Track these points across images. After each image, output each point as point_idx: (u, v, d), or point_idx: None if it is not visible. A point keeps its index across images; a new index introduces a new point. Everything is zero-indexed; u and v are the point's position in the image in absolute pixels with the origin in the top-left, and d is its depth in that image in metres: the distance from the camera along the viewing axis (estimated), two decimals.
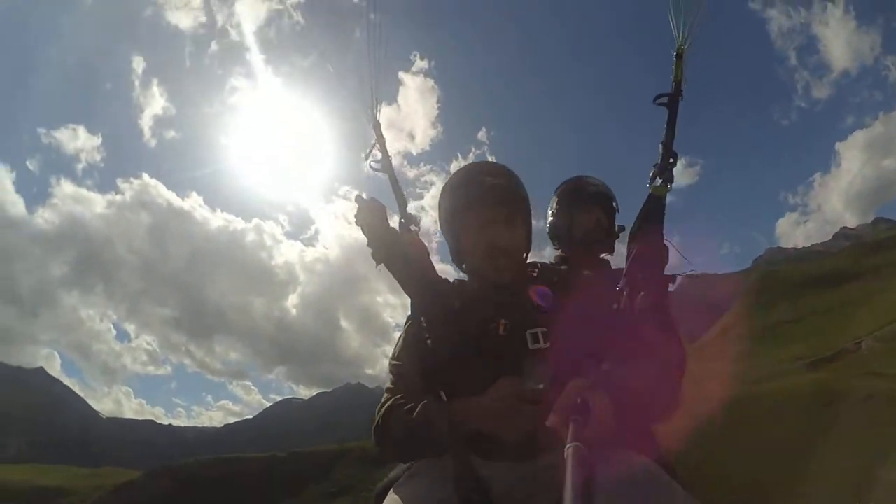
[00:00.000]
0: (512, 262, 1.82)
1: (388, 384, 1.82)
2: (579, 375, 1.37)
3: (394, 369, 1.84)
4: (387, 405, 1.73)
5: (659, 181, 1.84)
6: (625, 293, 1.72)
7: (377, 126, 2.24)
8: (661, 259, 1.80)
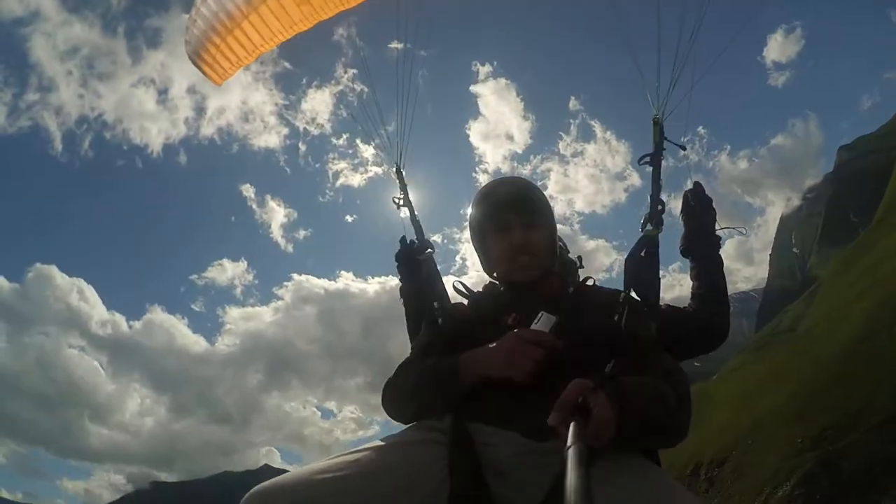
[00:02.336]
0: (533, 259, 1.93)
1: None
2: (582, 376, 1.36)
3: (412, 347, 2.02)
4: (398, 366, 1.87)
5: (650, 226, 2.07)
6: (625, 308, 1.81)
7: (399, 171, 2.67)
8: (656, 283, 1.98)
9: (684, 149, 2.24)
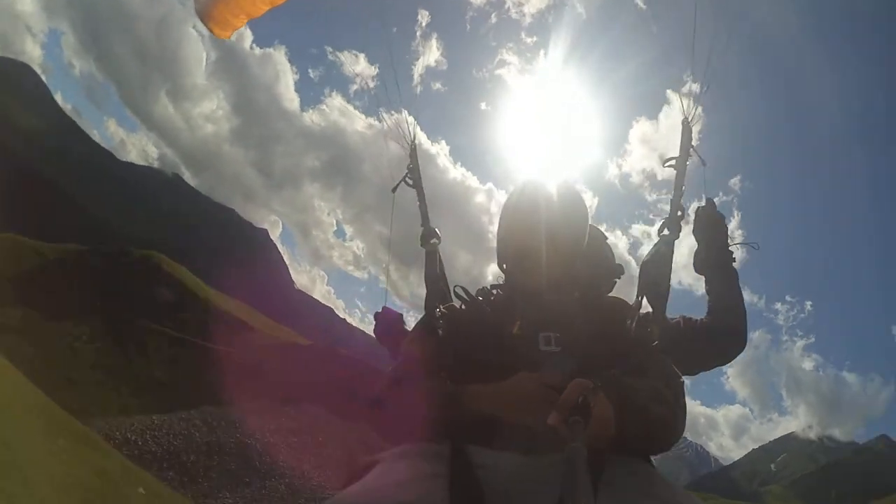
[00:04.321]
0: (539, 268, 1.85)
1: (391, 366, 1.86)
2: (584, 377, 1.36)
3: (402, 354, 1.91)
4: (391, 382, 1.78)
5: (667, 232, 2.06)
6: (638, 314, 1.84)
7: (413, 150, 2.58)
8: (666, 287, 1.95)
9: (705, 164, 2.25)
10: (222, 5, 3.10)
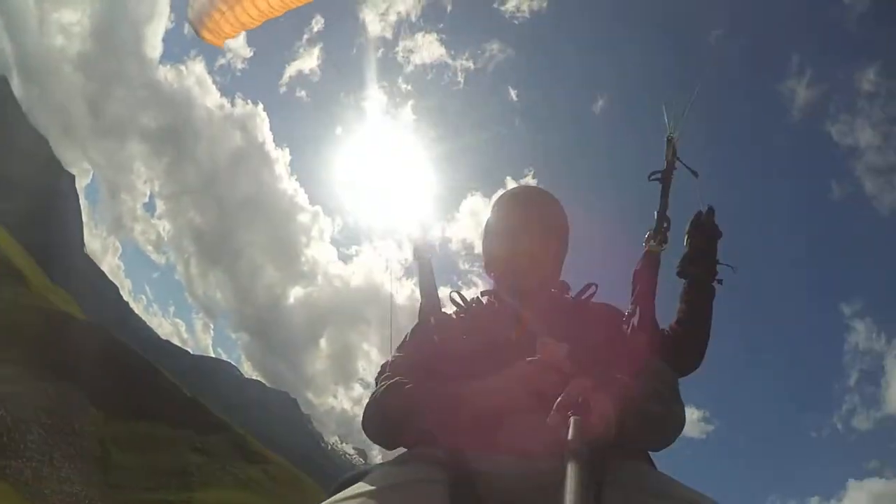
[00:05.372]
0: (531, 268, 1.89)
1: (383, 374, 1.78)
2: (584, 376, 1.36)
3: (393, 361, 1.83)
4: (385, 385, 1.70)
5: (653, 242, 2.16)
6: (634, 317, 1.94)
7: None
8: (651, 296, 2.06)
9: (696, 175, 2.28)
10: (219, 17, 3.23)
